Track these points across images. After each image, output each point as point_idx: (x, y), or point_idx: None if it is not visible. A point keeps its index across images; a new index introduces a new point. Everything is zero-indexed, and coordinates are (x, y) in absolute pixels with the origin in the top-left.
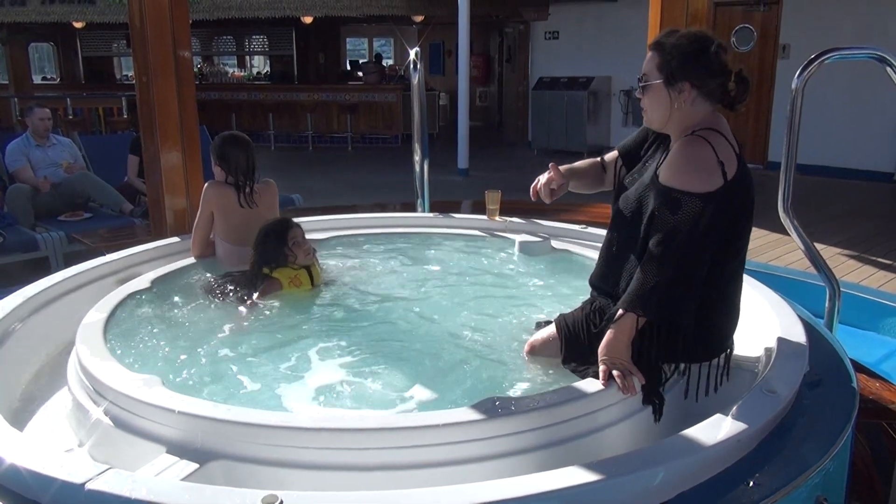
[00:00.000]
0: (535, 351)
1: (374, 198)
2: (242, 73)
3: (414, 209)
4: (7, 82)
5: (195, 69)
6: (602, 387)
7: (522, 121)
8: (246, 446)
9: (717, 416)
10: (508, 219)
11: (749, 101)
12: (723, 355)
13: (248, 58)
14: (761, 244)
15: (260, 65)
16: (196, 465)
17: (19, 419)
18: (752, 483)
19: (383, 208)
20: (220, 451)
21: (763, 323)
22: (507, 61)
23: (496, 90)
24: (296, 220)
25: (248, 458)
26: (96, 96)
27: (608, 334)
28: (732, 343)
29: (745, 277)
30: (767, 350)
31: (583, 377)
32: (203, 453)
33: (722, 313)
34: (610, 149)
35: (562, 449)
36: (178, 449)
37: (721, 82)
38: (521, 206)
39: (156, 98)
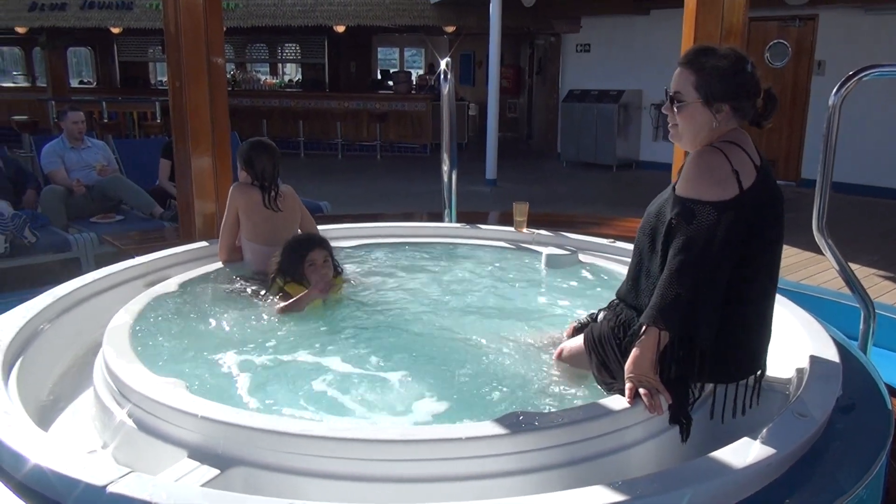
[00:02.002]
0: (564, 359)
1: (401, 207)
2: (274, 81)
3: (441, 219)
4: (45, 86)
5: (228, 76)
6: (628, 405)
7: (552, 133)
8: (267, 454)
9: (746, 438)
10: (536, 231)
11: (782, 118)
12: (753, 376)
13: (280, 65)
14: (793, 262)
15: (292, 72)
16: (217, 471)
17: (46, 417)
18: None
19: (410, 217)
20: (241, 457)
21: (795, 344)
22: (538, 73)
23: (526, 102)
24: (323, 227)
25: (268, 465)
26: (131, 101)
27: (634, 351)
28: (764, 364)
29: (777, 297)
30: (799, 372)
31: (611, 392)
32: (224, 459)
33: (751, 332)
34: (639, 163)
35: (585, 467)
36: (200, 454)
37: (754, 101)
38: (549, 218)
39: (188, 103)
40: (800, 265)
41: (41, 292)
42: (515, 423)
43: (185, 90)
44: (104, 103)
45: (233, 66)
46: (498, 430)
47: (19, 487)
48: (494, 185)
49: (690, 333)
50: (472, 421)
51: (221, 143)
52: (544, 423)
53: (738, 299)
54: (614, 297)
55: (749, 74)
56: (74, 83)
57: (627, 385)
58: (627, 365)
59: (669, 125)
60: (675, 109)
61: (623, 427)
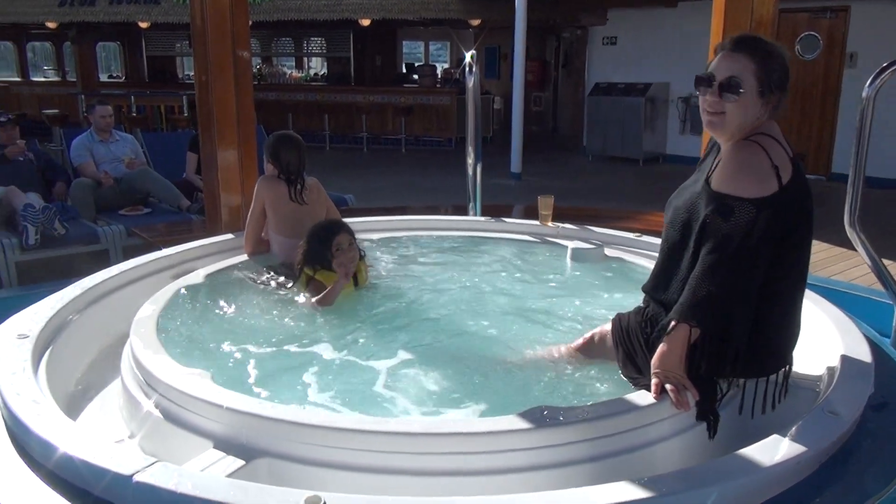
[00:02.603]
0: (588, 350)
1: (426, 200)
2: (300, 74)
3: (465, 212)
4: (75, 80)
5: (254, 70)
6: (654, 400)
7: (577, 126)
8: (291, 445)
9: (775, 436)
10: (561, 225)
11: (813, 111)
12: (781, 372)
13: (306, 59)
14: (824, 258)
15: (317, 66)
16: (242, 462)
17: (75, 406)
18: None
19: (435, 211)
20: (266, 448)
21: (825, 340)
22: (564, 66)
23: (551, 95)
24: (348, 220)
25: (292, 456)
26: (158, 94)
27: (661, 346)
28: (792, 360)
29: (807, 293)
30: (830, 369)
31: (637, 387)
32: (249, 450)
33: (780, 328)
34: (666, 157)
35: (610, 463)
36: (225, 444)
37: None
38: (574, 212)
39: (214, 97)
40: (830, 261)
41: (70, 283)
42: (539, 417)
43: (212, 84)
44: (132, 97)
45: (259, 60)
46: (521, 424)
47: (48, 476)
48: (519, 178)
49: (723, 331)
50: (496, 415)
51: (247, 137)
52: (569, 418)
53: (767, 295)
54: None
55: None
56: (103, 77)
57: (654, 380)
58: (654, 360)
59: (711, 113)
60: (728, 96)
61: (649, 423)
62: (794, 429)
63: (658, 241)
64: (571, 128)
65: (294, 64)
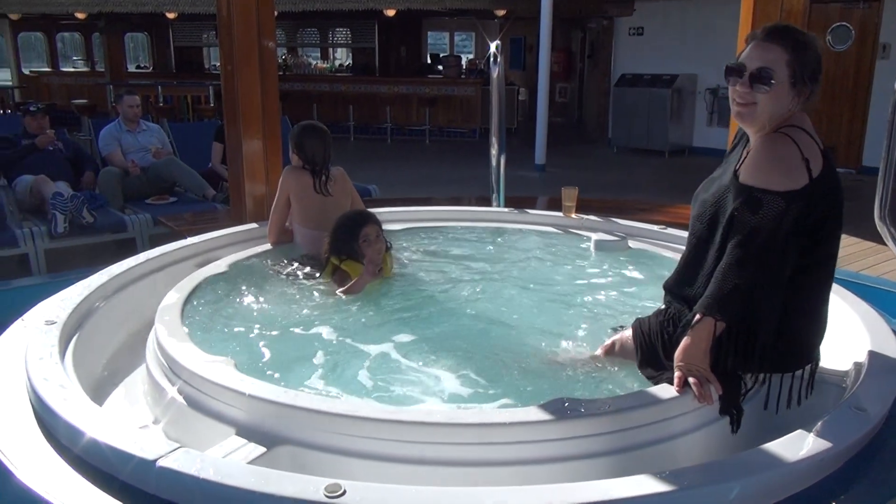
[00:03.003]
0: (611, 353)
1: (450, 191)
2: (325, 65)
3: (489, 203)
4: (104, 70)
5: (280, 60)
6: (677, 394)
7: (603, 118)
8: (312, 433)
9: (800, 431)
10: (585, 216)
11: (844, 103)
12: (807, 367)
13: (331, 50)
14: (853, 252)
15: (342, 57)
16: (263, 449)
17: (101, 392)
18: None
19: (458, 202)
20: (288, 436)
21: (853, 336)
22: (589, 57)
23: (577, 86)
24: (375, 211)
25: (313, 444)
26: (185, 85)
27: (685, 340)
28: (819, 355)
29: (835, 287)
30: (857, 365)
31: (656, 383)
32: (271, 437)
33: (807, 322)
34: (693, 149)
35: (631, 456)
36: (248, 431)
37: None
38: (598, 204)
39: (240, 87)
40: (860, 255)
41: (98, 271)
42: (561, 409)
43: (237, 74)
44: (160, 87)
45: (284, 51)
46: (543, 415)
47: (73, 459)
48: (543, 170)
49: (749, 325)
50: (516, 406)
51: (271, 126)
52: (590, 411)
53: (795, 289)
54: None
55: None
56: (131, 68)
57: (677, 374)
58: (678, 353)
59: (740, 104)
60: (760, 87)
61: (671, 416)
62: (819, 424)
63: (684, 233)
64: (596, 119)
65: (319, 55)
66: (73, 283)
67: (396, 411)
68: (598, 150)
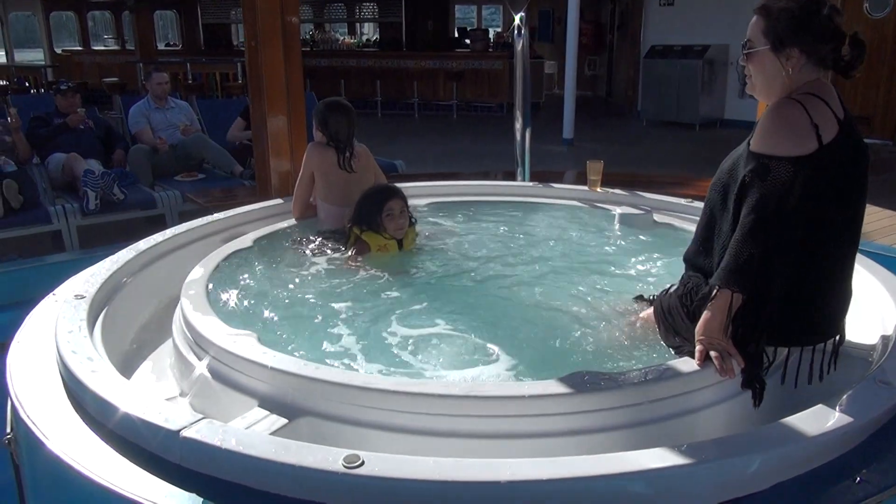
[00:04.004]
0: (633, 328)
1: (477, 166)
2: (352, 40)
3: (514, 178)
4: (134, 49)
5: (307, 36)
6: (698, 368)
7: (632, 91)
8: (332, 405)
9: (823, 405)
10: (610, 190)
11: (881, 71)
12: (831, 341)
13: (358, 25)
14: (887, 225)
15: (369, 32)
16: (285, 421)
17: (129, 365)
18: (858, 479)
19: (484, 177)
20: (308, 407)
21: (881, 309)
22: (619, 29)
23: (606, 59)
24: (399, 186)
25: (334, 416)
26: (214, 62)
27: (704, 314)
28: (843, 329)
29: (864, 260)
30: (884, 338)
31: (680, 355)
32: (292, 409)
33: (828, 295)
34: (724, 122)
35: (651, 429)
36: (270, 403)
37: (833, 47)
38: (625, 177)
39: (264, 63)
40: (893, 228)
41: (124, 248)
42: (580, 382)
43: (261, 50)
44: (188, 65)
45: (311, 27)
46: (563, 388)
47: (101, 429)
48: (571, 144)
49: (763, 295)
50: (537, 379)
51: (296, 103)
52: (610, 384)
53: (815, 261)
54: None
55: (824, 17)
56: (161, 46)
57: (698, 348)
58: (698, 328)
59: (746, 77)
60: (746, 58)
61: (692, 390)
62: (843, 398)
63: None
64: (625, 92)
65: (346, 30)
66: (103, 259)
67: (415, 384)
68: (627, 124)
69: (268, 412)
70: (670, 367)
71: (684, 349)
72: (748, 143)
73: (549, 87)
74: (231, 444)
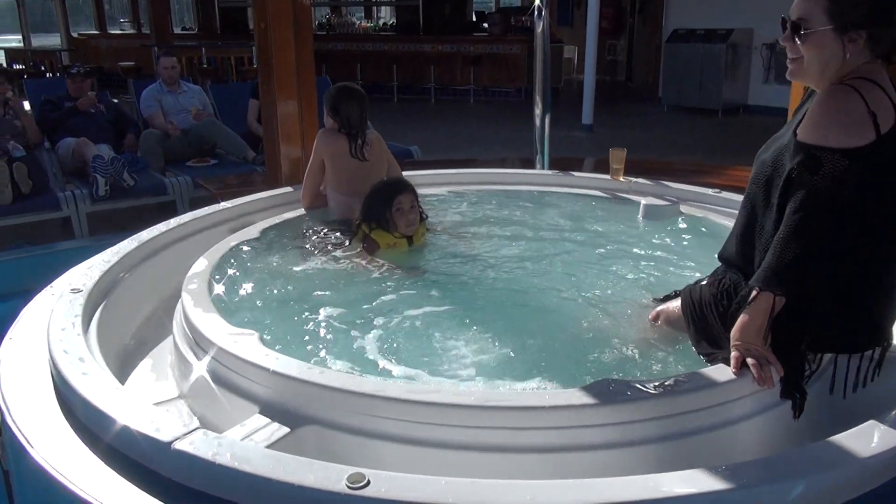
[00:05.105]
0: (661, 321)
1: (494, 152)
2: (369, 24)
3: (532, 165)
4: (150, 32)
5: (324, 20)
6: (734, 376)
7: (653, 76)
8: (338, 413)
9: (872, 422)
10: (634, 179)
11: None
12: (878, 348)
13: (374, 9)
14: None
15: (386, 16)
16: (287, 430)
17: (128, 362)
18: None
19: (501, 164)
20: (312, 415)
21: None
22: (640, 13)
23: (626, 43)
24: (411, 173)
25: (340, 425)
26: (229, 45)
27: (742, 317)
28: (891, 335)
29: None
30: None
31: (712, 363)
32: (295, 417)
33: (878, 298)
34: (748, 107)
35: (683, 444)
36: (271, 410)
37: (893, 29)
38: (647, 165)
39: (274, 45)
40: None
41: (125, 238)
42: (605, 391)
43: (271, 31)
44: (203, 49)
45: (328, 10)
46: (586, 398)
47: (89, 437)
48: (591, 130)
49: (807, 298)
50: (556, 386)
51: (307, 86)
52: (638, 394)
53: (864, 262)
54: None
55: None
56: (177, 29)
57: (733, 353)
58: (734, 332)
59: (789, 59)
60: (798, 39)
61: (727, 400)
62: (893, 414)
63: (740, 197)
64: (646, 77)
65: (363, 14)
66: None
67: (427, 392)
68: (648, 109)
69: (269, 420)
70: (703, 376)
71: (717, 357)
72: (794, 133)
73: (567, 72)
74: (226, 458)
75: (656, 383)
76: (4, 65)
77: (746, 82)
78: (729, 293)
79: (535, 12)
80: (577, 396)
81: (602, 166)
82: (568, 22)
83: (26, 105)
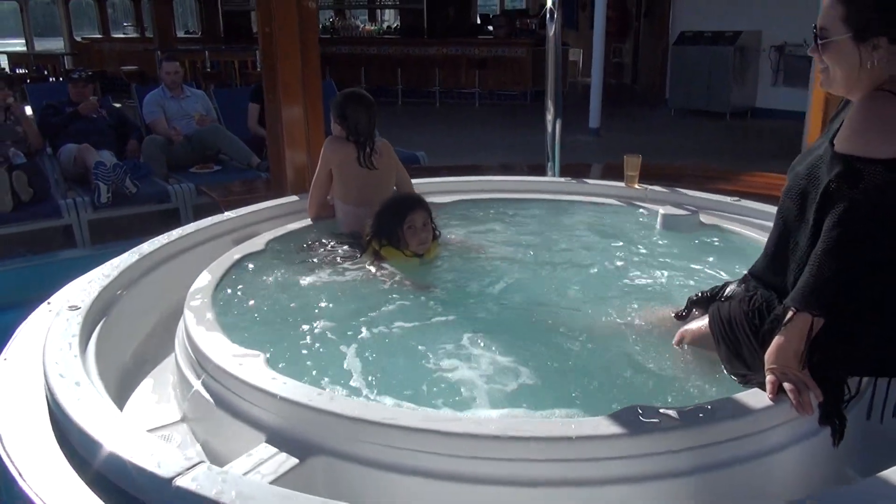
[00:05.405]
0: (685, 343)
1: (501, 156)
2: (373, 27)
3: (543, 171)
4: (153, 36)
5: (328, 23)
6: (770, 402)
7: (659, 79)
8: (350, 443)
9: None
10: (649, 187)
11: None
12: None
13: (378, 11)
14: None
15: (390, 19)
16: (296, 461)
17: (129, 382)
18: None
19: (510, 169)
20: (323, 445)
21: None
22: (645, 15)
23: (631, 46)
24: (419, 180)
25: (352, 456)
26: (233, 50)
27: (777, 339)
28: None
29: None
30: None
31: (745, 385)
32: (304, 447)
33: None
34: (756, 110)
35: (717, 476)
36: (279, 439)
37: None
38: (658, 170)
39: (279, 49)
40: None
41: (140, 242)
42: (635, 420)
43: (276, 36)
44: (207, 53)
45: (332, 14)
46: (615, 428)
47: (84, 469)
48: (598, 134)
49: (847, 319)
50: (582, 414)
51: (313, 91)
52: (670, 423)
53: None
54: (747, 273)
55: None
56: (180, 33)
57: (769, 378)
58: (768, 354)
59: (820, 69)
60: (821, 49)
61: (764, 428)
62: None
63: (760, 206)
64: (652, 80)
65: (367, 17)
66: (118, 255)
67: (445, 420)
68: (655, 112)
69: (277, 450)
70: (738, 402)
71: (751, 380)
72: (831, 143)
73: (572, 75)
74: (230, 496)
75: (689, 410)
76: (7, 69)
77: (755, 85)
78: (761, 311)
79: (548, 15)
80: (605, 426)
81: (611, 171)
82: (572, 25)
83: (28, 110)
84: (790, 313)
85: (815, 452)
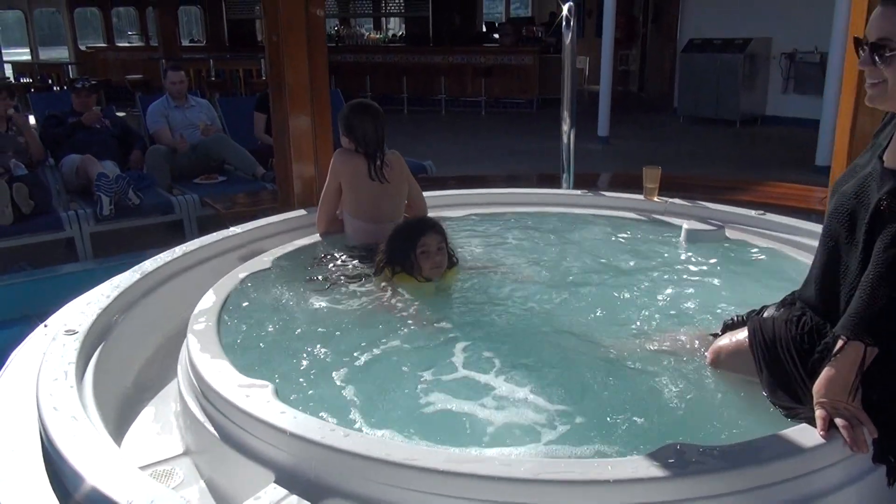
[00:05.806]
0: (721, 363)
1: (507, 165)
2: (378, 36)
3: (554, 181)
4: (158, 45)
5: (332, 32)
6: (821, 440)
7: (667, 86)
8: (366, 484)
9: None
10: (669, 199)
11: None
12: None
13: (383, 20)
14: None
15: (395, 27)
16: None
17: (129, 410)
18: None
19: (517, 179)
20: (336, 487)
21: None
22: (653, 22)
23: (639, 53)
24: (428, 193)
25: (369, 499)
26: (237, 58)
27: (827, 370)
28: None
29: None
30: None
31: (791, 418)
32: (317, 488)
33: None
34: (766, 118)
35: None
36: (289, 479)
37: None
38: (669, 180)
39: (286, 58)
40: None
41: (144, 255)
42: (676, 459)
43: (283, 45)
44: (211, 61)
45: (337, 22)
46: (655, 470)
47: None
48: (607, 142)
49: None
50: (616, 450)
51: (321, 101)
52: (713, 463)
53: None
54: (788, 296)
55: None
56: (185, 42)
57: (819, 412)
58: (818, 387)
59: (870, 84)
60: (881, 61)
61: (815, 469)
62: None
63: (787, 220)
64: (660, 88)
65: (372, 25)
66: (121, 269)
67: (470, 461)
68: (664, 120)
69: (287, 491)
70: (786, 440)
71: (799, 414)
72: (880, 159)
73: (579, 82)
74: None
75: (733, 449)
76: (12, 78)
77: (765, 92)
78: (811, 336)
79: (564, 23)
80: (644, 467)
81: (623, 180)
82: (579, 32)
83: (31, 119)
84: (840, 342)
85: (870, 493)
